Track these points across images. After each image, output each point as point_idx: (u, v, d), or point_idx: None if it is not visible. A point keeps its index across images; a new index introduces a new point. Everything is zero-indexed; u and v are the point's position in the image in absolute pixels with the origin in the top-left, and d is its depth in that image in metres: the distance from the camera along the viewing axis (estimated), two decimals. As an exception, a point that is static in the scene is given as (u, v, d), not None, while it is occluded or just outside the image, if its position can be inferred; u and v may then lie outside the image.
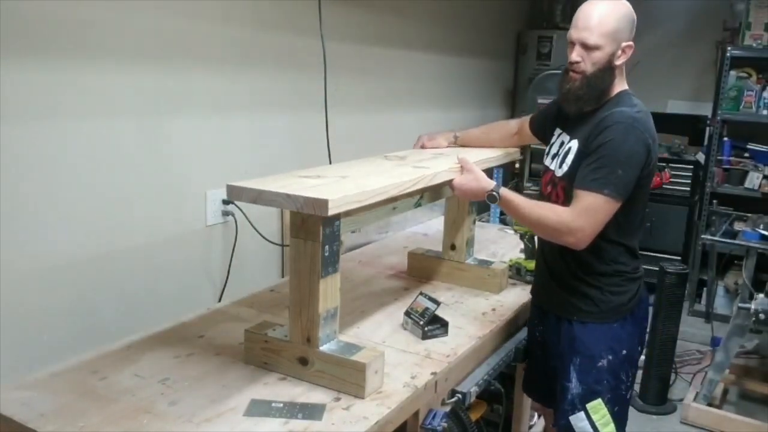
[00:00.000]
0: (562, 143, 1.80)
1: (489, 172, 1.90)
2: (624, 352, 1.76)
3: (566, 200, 1.70)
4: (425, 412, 1.51)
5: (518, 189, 3.93)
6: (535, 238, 2.22)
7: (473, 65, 3.93)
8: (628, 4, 1.70)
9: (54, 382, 1.41)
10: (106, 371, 1.47)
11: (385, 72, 3.00)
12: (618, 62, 1.68)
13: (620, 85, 1.74)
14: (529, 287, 2.15)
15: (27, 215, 1.60)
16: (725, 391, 3.36)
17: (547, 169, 1.86)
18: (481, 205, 1.95)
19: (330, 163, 2.45)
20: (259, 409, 1.34)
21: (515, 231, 2.25)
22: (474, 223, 2.17)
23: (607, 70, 1.67)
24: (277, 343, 1.49)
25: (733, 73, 4.10)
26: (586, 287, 1.75)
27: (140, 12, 1.79)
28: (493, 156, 2.08)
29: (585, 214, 1.60)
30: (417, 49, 3.23)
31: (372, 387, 1.41)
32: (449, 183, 1.80)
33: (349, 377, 1.40)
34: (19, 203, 1.57)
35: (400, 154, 2.02)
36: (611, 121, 1.63)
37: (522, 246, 2.24)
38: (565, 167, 1.74)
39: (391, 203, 1.72)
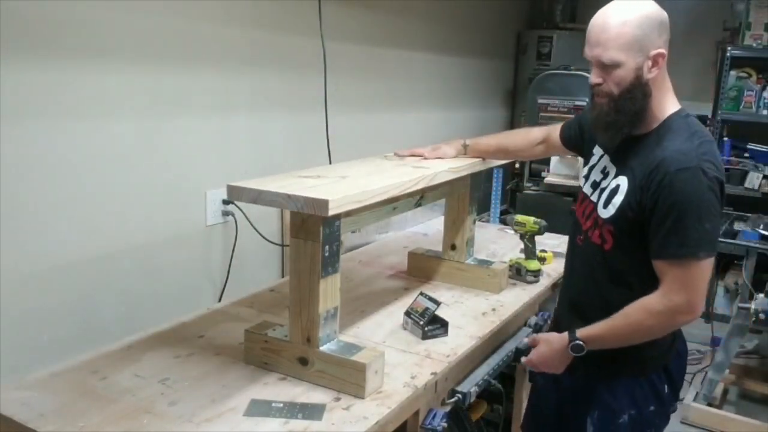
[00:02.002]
0: (607, 174, 1.56)
1: (488, 173, 1.87)
2: (651, 408, 1.59)
3: (616, 245, 1.50)
4: (425, 412, 1.51)
5: (518, 189, 3.93)
6: (536, 239, 2.23)
7: (473, 65, 3.93)
8: (651, 2, 1.44)
9: (54, 382, 1.41)
10: (106, 371, 1.47)
11: (385, 72, 3.00)
12: (650, 75, 1.43)
13: (669, 102, 1.48)
14: (529, 287, 2.16)
15: (27, 215, 1.60)
16: (725, 391, 3.37)
17: (585, 197, 1.63)
18: (481, 205, 1.91)
19: (330, 163, 2.46)
20: (259, 409, 1.34)
21: (515, 231, 2.25)
22: (474, 223, 2.16)
23: (638, 87, 1.42)
24: (277, 343, 1.49)
25: (733, 73, 4.10)
26: None
27: (140, 12, 1.79)
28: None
29: (684, 288, 1.39)
30: (417, 49, 3.23)
31: (372, 387, 1.41)
32: (526, 362, 1.63)
33: (349, 377, 1.40)
34: (19, 203, 1.57)
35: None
36: (673, 166, 1.37)
37: (522, 246, 2.24)
38: (611, 209, 1.50)
39: (391, 203, 1.72)
